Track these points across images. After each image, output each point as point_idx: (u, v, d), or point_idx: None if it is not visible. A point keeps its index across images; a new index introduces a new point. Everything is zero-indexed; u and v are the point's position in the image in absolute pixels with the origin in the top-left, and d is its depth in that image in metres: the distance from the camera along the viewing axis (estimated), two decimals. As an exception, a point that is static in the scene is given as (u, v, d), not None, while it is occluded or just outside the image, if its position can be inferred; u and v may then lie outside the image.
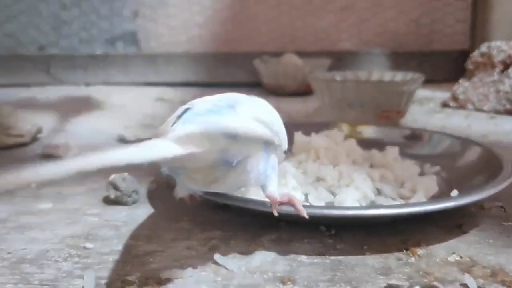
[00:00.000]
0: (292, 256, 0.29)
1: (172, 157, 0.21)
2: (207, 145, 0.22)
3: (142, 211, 0.37)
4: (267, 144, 0.27)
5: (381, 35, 1.22)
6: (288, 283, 0.26)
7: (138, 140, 0.61)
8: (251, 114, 0.26)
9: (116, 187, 0.38)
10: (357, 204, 0.36)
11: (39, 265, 0.28)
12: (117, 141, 0.62)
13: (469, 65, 0.88)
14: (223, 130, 0.22)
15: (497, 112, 0.80)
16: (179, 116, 0.25)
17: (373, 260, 0.29)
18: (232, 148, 0.24)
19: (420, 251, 0.30)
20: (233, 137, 0.24)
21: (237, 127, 0.23)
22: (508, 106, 0.79)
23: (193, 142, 0.22)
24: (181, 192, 0.31)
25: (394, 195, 0.38)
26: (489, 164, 0.39)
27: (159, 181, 0.44)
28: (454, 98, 0.87)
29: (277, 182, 0.29)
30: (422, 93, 0.97)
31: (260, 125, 0.26)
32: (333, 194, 0.38)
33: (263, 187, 0.29)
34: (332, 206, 0.36)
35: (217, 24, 1.22)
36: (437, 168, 0.44)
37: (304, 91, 1.02)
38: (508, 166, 0.36)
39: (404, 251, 0.30)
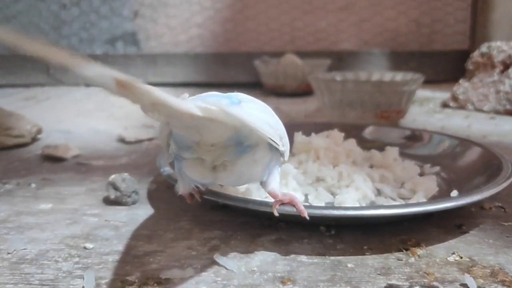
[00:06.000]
0: (292, 256, 0.29)
1: (195, 115, 0.20)
2: (224, 118, 0.21)
3: (142, 211, 0.37)
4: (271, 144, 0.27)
5: (381, 35, 1.22)
6: (288, 283, 0.26)
7: (138, 141, 0.61)
8: (256, 112, 0.26)
9: (116, 188, 0.38)
10: (357, 205, 0.36)
11: (39, 265, 0.28)
12: (117, 142, 0.62)
13: (469, 66, 0.88)
14: (235, 115, 0.22)
15: (497, 112, 0.80)
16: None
17: (373, 260, 0.29)
18: (244, 130, 0.24)
19: (420, 251, 0.30)
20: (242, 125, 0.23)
21: (247, 118, 0.22)
22: (508, 107, 0.79)
23: (213, 112, 0.21)
24: (182, 188, 0.30)
25: (394, 196, 0.38)
26: (489, 164, 0.39)
27: (159, 181, 0.44)
28: (454, 98, 0.87)
29: (279, 180, 0.29)
30: (422, 93, 0.97)
31: (267, 125, 0.26)
32: (333, 194, 0.38)
33: (265, 184, 0.29)
34: (332, 206, 0.36)
35: (217, 24, 1.22)
36: (437, 168, 0.44)
37: (304, 91, 1.02)
38: (508, 166, 0.36)
39: (404, 251, 0.30)
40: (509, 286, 0.25)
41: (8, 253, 0.30)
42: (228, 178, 0.27)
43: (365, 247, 0.30)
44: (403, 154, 0.47)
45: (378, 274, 0.27)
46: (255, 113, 0.25)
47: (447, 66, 1.19)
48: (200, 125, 0.23)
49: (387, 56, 1.20)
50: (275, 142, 0.26)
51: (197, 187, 0.31)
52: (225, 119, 0.21)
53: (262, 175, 0.28)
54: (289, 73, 1.02)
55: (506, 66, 0.82)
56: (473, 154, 0.43)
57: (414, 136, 0.51)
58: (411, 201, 0.37)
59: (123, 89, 0.18)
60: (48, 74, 1.21)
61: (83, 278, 0.26)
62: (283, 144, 0.27)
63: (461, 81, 0.88)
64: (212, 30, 1.22)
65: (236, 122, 0.22)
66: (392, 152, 0.45)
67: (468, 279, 0.26)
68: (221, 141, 0.24)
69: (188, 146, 0.25)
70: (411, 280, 0.26)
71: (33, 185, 0.44)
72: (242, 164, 0.26)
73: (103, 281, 0.26)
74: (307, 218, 0.29)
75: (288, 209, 0.29)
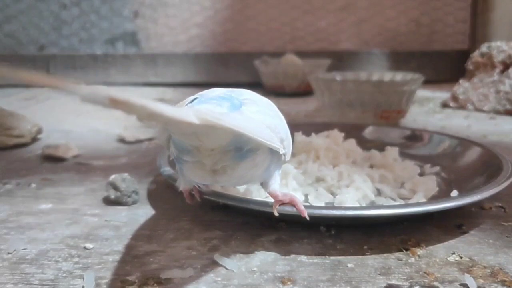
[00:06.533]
0: (292, 256, 0.29)
1: (193, 124, 0.20)
2: (223, 126, 0.21)
3: (142, 211, 0.37)
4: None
5: (381, 35, 1.22)
6: (288, 283, 0.26)
7: (138, 141, 0.61)
8: (257, 116, 0.26)
9: (116, 188, 0.38)
10: (357, 205, 0.36)
11: (39, 265, 0.28)
12: (117, 142, 0.62)
13: (469, 66, 0.88)
14: (231, 127, 0.22)
15: (497, 112, 0.80)
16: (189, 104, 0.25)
17: (373, 260, 0.29)
18: (244, 136, 0.23)
19: (420, 251, 0.30)
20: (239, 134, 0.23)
21: (244, 128, 0.22)
22: (508, 106, 0.79)
23: (211, 121, 0.21)
24: (183, 184, 0.30)
25: (394, 196, 0.38)
26: (489, 164, 0.39)
27: (159, 181, 0.44)
28: (454, 98, 0.87)
29: (280, 180, 0.29)
30: (422, 93, 0.97)
31: (268, 130, 0.25)
32: (333, 194, 0.38)
33: (265, 184, 0.29)
34: (332, 206, 0.36)
35: (217, 24, 1.22)
36: (437, 168, 0.44)
37: (304, 91, 1.02)
38: (508, 166, 0.36)
39: (404, 251, 0.30)
40: (509, 286, 0.25)
41: (8, 253, 0.30)
42: (229, 181, 0.27)
43: (365, 247, 0.30)
44: (403, 154, 0.47)
45: (378, 274, 0.27)
46: (255, 118, 0.25)
47: (447, 66, 1.19)
48: (198, 132, 0.23)
49: (387, 56, 1.20)
50: (275, 147, 0.25)
51: (198, 185, 0.31)
52: (223, 126, 0.21)
53: (262, 176, 0.28)
54: (289, 73, 1.02)
55: (506, 66, 0.82)
56: (473, 154, 0.43)
57: (414, 136, 0.51)
58: (411, 201, 0.37)
59: (117, 105, 0.18)
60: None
61: (83, 278, 0.26)
62: (284, 147, 0.27)
63: (461, 81, 0.88)
64: (212, 30, 1.22)
65: (234, 131, 0.22)
66: (392, 152, 0.45)
67: (468, 279, 0.26)
68: (221, 146, 0.24)
69: (188, 150, 0.25)
70: (411, 280, 0.26)
71: (33, 185, 0.44)
72: (242, 169, 0.26)
73: (103, 281, 0.26)
74: (307, 218, 0.29)
75: (288, 209, 0.29)
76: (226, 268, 0.28)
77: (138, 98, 0.18)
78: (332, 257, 0.29)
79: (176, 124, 0.21)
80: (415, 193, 0.38)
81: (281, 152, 0.27)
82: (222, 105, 0.25)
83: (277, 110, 0.29)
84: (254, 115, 0.25)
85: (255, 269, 0.28)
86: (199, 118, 0.20)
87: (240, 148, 0.25)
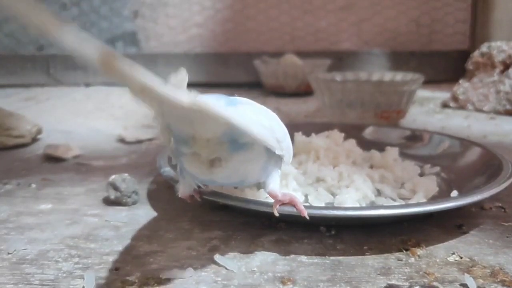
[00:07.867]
0: (292, 256, 0.29)
1: (184, 104, 0.20)
2: (212, 111, 0.21)
3: (142, 211, 0.37)
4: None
5: (381, 35, 1.22)
6: (288, 283, 0.26)
7: (138, 141, 0.61)
8: (252, 115, 0.26)
9: (116, 188, 0.38)
10: (357, 205, 0.36)
11: (39, 265, 0.28)
12: (117, 142, 0.62)
13: (469, 66, 0.88)
14: (221, 113, 0.22)
15: (497, 112, 0.80)
16: None
17: (373, 260, 0.29)
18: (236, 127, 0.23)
19: (420, 251, 0.30)
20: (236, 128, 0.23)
21: (235, 119, 0.22)
22: (508, 107, 0.79)
23: (201, 104, 0.21)
24: (182, 190, 0.30)
25: (394, 196, 0.39)
26: (489, 164, 0.39)
27: (159, 182, 0.44)
28: (454, 98, 0.87)
29: (279, 181, 0.29)
30: (422, 93, 0.97)
31: (262, 127, 0.26)
32: (333, 194, 0.38)
33: (264, 184, 0.29)
34: (332, 206, 0.36)
35: (217, 24, 1.22)
36: (437, 168, 0.44)
37: (304, 91, 1.02)
38: (508, 166, 0.36)
39: (404, 251, 0.30)
40: (509, 286, 0.25)
41: (8, 253, 0.30)
42: (224, 173, 0.27)
43: (365, 247, 0.30)
44: (403, 154, 0.47)
45: (378, 274, 0.27)
46: (249, 115, 0.26)
47: (447, 66, 1.19)
48: (192, 117, 0.23)
49: (387, 56, 1.20)
50: (268, 143, 0.26)
51: (199, 186, 0.31)
52: (212, 112, 0.21)
53: (260, 175, 0.28)
54: (289, 73, 1.02)
55: (506, 66, 0.82)
56: (473, 154, 0.43)
57: (414, 136, 0.51)
58: (411, 201, 0.37)
59: (106, 68, 0.17)
60: (48, 74, 1.21)
61: (83, 278, 0.27)
62: (282, 148, 0.27)
63: (461, 81, 0.88)
64: (212, 30, 1.22)
65: (224, 119, 0.22)
66: (392, 152, 0.45)
67: (468, 279, 0.26)
68: (215, 136, 0.24)
69: (185, 140, 0.25)
70: (411, 280, 0.26)
71: (33, 185, 0.44)
72: (236, 161, 0.26)
73: (103, 281, 0.26)
74: (307, 218, 0.29)
75: (288, 209, 0.29)
76: (226, 268, 0.28)
77: (132, 66, 0.17)
78: (332, 257, 0.29)
79: (167, 103, 0.20)
80: (415, 193, 0.38)
81: (277, 152, 0.27)
82: (219, 100, 0.25)
83: (276, 116, 0.29)
84: (249, 113, 0.26)
85: (255, 269, 0.28)
86: (190, 100, 0.20)
87: (235, 140, 0.25)
